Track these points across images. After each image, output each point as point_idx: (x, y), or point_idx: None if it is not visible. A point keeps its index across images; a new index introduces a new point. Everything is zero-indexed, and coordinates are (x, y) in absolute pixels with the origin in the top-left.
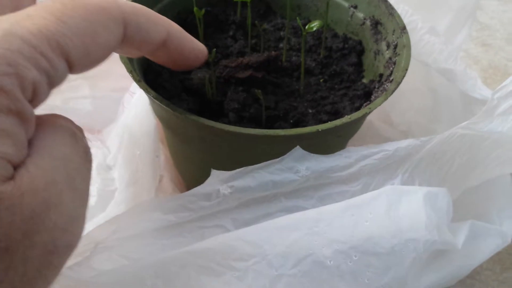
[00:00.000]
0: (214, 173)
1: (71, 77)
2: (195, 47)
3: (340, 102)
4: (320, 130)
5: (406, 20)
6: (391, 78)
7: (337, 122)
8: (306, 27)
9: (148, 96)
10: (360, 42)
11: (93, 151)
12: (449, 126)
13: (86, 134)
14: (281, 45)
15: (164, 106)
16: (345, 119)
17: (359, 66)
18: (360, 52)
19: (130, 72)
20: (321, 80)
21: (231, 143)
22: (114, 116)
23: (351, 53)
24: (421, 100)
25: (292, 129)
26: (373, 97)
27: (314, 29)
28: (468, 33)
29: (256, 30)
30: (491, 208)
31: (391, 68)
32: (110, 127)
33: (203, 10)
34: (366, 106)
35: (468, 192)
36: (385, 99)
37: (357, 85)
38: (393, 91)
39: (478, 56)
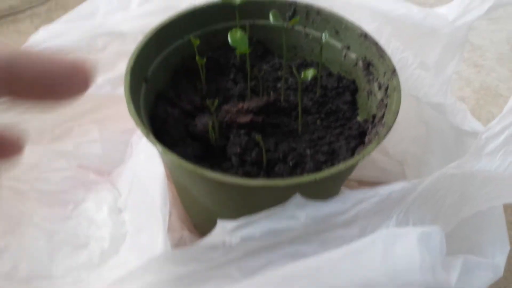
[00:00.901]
0: (220, 223)
1: (82, 121)
2: (64, 63)
3: (336, 142)
4: (317, 179)
5: (397, 57)
6: (383, 121)
7: (333, 170)
8: (302, 75)
9: (157, 149)
10: (353, 82)
11: (103, 194)
12: (441, 157)
13: (97, 177)
14: (279, 84)
15: (174, 159)
16: (341, 166)
17: (353, 104)
18: (354, 91)
19: (138, 125)
20: (317, 122)
21: (235, 192)
22: (123, 158)
23: (345, 92)
24: (414, 131)
25: (291, 179)
26: (366, 138)
27: (309, 78)
28: (458, 64)
29: (255, 71)
30: (483, 240)
31: (383, 110)
32: (120, 169)
33: (205, 59)
34: (360, 150)
35: (460, 224)
36: (378, 144)
37: (352, 123)
38: (385, 136)
39: (470, 77)
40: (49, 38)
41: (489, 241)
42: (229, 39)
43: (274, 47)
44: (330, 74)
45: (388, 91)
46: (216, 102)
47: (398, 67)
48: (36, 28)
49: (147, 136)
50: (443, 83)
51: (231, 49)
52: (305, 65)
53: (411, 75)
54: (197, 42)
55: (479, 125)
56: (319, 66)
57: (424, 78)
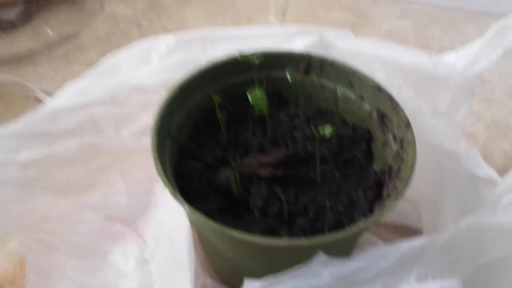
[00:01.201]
0: (248, 283)
1: (107, 172)
2: None
3: (354, 192)
4: (340, 238)
5: (410, 105)
6: (400, 175)
7: (354, 229)
8: (320, 131)
9: (185, 210)
10: (368, 131)
11: (130, 244)
12: (456, 200)
13: (123, 228)
14: (295, 133)
15: (201, 219)
16: (362, 224)
17: (369, 153)
18: (369, 140)
19: (166, 185)
20: (335, 172)
21: (261, 249)
22: (147, 206)
23: (361, 141)
24: (429, 173)
25: (315, 239)
26: (384, 192)
27: (327, 135)
28: (467, 110)
29: (273, 121)
30: (502, 285)
31: (398, 163)
32: (144, 217)
33: (225, 114)
34: (378, 203)
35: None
36: (397, 201)
37: (369, 172)
38: (403, 192)
39: (481, 112)
40: (76, 94)
41: (508, 286)
42: (249, 98)
43: (290, 97)
44: (345, 123)
45: (403, 144)
46: (239, 160)
47: (411, 115)
48: (54, 69)
49: (175, 196)
50: (455, 130)
51: (249, 101)
52: (320, 114)
53: (424, 123)
54: (218, 99)
55: (492, 170)
56: (335, 116)
57: (436, 126)
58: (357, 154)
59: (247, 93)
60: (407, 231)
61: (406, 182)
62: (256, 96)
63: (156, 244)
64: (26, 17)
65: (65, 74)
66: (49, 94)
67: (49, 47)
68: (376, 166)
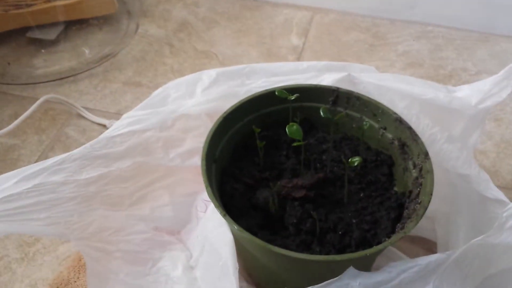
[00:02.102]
0: None
1: (155, 187)
2: None
3: (377, 212)
4: (368, 254)
5: (428, 133)
6: (419, 200)
7: (380, 246)
8: (349, 160)
9: (231, 227)
10: (390, 157)
11: (177, 253)
12: (466, 216)
13: (170, 237)
14: (324, 157)
15: (246, 236)
16: (386, 243)
17: (390, 176)
18: (391, 165)
19: (217, 207)
20: (360, 192)
21: (297, 262)
22: (189, 217)
23: (383, 165)
24: (444, 191)
25: (347, 255)
26: (405, 213)
27: (356, 164)
28: (479, 137)
29: (304, 145)
30: None
31: (418, 189)
32: (187, 228)
33: (264, 142)
34: (400, 223)
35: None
36: (417, 223)
37: (390, 193)
38: (422, 215)
39: (492, 131)
40: (131, 123)
41: None
42: (287, 131)
43: (318, 123)
44: (369, 149)
45: (422, 172)
46: (278, 185)
47: (428, 142)
48: (95, 87)
49: (224, 217)
50: (467, 155)
51: (282, 127)
52: (346, 139)
53: (440, 149)
54: (258, 130)
55: (500, 192)
56: (359, 142)
57: (451, 152)
58: (380, 177)
59: (286, 128)
60: (423, 242)
61: (425, 207)
62: (292, 129)
63: (201, 253)
64: (66, 37)
65: (105, 91)
66: (90, 110)
67: (89, 67)
68: (397, 189)
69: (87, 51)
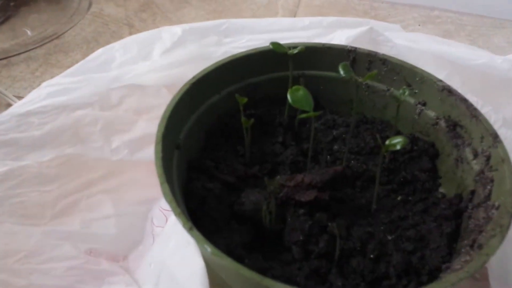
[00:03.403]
0: None
1: (92, 192)
2: None
3: (422, 223)
4: None
5: None
6: (494, 203)
7: (452, 278)
8: (386, 142)
9: (202, 248)
10: (432, 145)
11: None
12: None
13: (111, 265)
14: (335, 147)
15: (228, 265)
16: (463, 273)
17: (433, 172)
18: (434, 155)
19: (178, 215)
20: (398, 198)
21: None
22: (141, 236)
23: (421, 156)
24: None
25: None
26: (471, 224)
27: (398, 147)
28: None
29: (305, 131)
30: None
31: (488, 187)
32: (137, 251)
33: (252, 120)
34: (466, 246)
35: None
36: (503, 238)
37: (435, 197)
38: (509, 226)
39: None
40: (55, 93)
41: None
42: (288, 98)
43: (325, 101)
44: (399, 134)
45: (491, 161)
46: (277, 181)
47: None
48: (32, 72)
49: (190, 231)
50: None
51: (275, 105)
52: (365, 123)
53: None
54: (244, 100)
55: None
56: (385, 125)
57: (511, 140)
58: (418, 174)
59: (288, 94)
60: None
61: (509, 213)
62: (298, 95)
63: None
64: (2, 16)
65: (44, 76)
66: None
67: (27, 48)
68: (445, 189)
69: (29, 31)
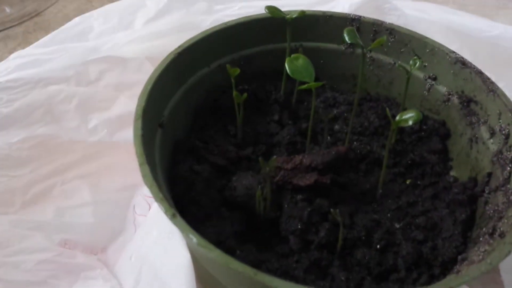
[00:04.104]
0: None
1: (67, 177)
2: None
3: (434, 210)
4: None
5: None
6: None
7: (475, 272)
8: (397, 118)
9: (187, 239)
10: (443, 123)
11: (97, 285)
12: None
13: (87, 259)
14: (336, 126)
15: (218, 258)
16: (484, 265)
17: (443, 154)
18: (445, 135)
19: (160, 201)
20: (407, 182)
21: None
22: (122, 227)
23: (431, 136)
24: None
25: None
26: (488, 210)
27: (410, 123)
28: None
29: (303, 109)
30: None
31: (508, 169)
32: (117, 242)
33: (245, 94)
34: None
35: None
36: None
37: (447, 181)
38: None
39: None
40: (25, 66)
41: None
42: (287, 68)
43: (325, 76)
44: None
45: (510, 140)
46: (274, 160)
47: None
48: (11, 52)
49: (172, 219)
50: None
51: (271, 80)
52: (368, 100)
53: None
54: (237, 71)
55: None
56: (391, 103)
57: None
58: (427, 156)
59: (286, 63)
60: None
61: None
62: (296, 64)
63: (137, 284)
64: None
65: None
66: None
67: (5, 26)
68: (456, 173)
69: (7, 9)
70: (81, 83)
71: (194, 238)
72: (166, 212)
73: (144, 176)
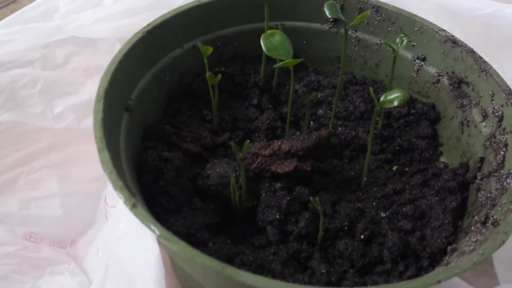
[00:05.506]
0: None
1: (33, 167)
2: None
3: (422, 198)
4: (440, 280)
5: None
6: (508, 169)
7: (466, 264)
8: (381, 99)
9: (153, 231)
10: (433, 106)
11: (64, 280)
12: None
13: (54, 252)
14: (320, 111)
15: (184, 253)
16: (476, 256)
17: (433, 139)
18: (434, 119)
19: (119, 189)
20: (394, 168)
21: None
22: (92, 219)
23: (420, 121)
24: None
25: (393, 285)
26: (480, 197)
27: (396, 103)
28: None
29: (284, 93)
30: None
31: (501, 153)
32: (87, 235)
33: (219, 76)
34: (478, 222)
35: None
36: None
37: (437, 167)
38: None
39: None
40: None
41: None
42: (262, 45)
43: (309, 60)
44: None
45: (505, 122)
46: (247, 144)
47: None
48: None
49: (132, 209)
50: None
51: (249, 63)
52: (353, 83)
53: None
54: (209, 50)
55: None
56: (378, 85)
57: None
58: (415, 141)
59: (261, 40)
60: None
61: None
62: (273, 41)
63: (105, 280)
64: None
65: None
66: None
67: None
68: (447, 159)
69: None
70: (47, 66)
71: (157, 230)
72: (125, 202)
73: (102, 162)
